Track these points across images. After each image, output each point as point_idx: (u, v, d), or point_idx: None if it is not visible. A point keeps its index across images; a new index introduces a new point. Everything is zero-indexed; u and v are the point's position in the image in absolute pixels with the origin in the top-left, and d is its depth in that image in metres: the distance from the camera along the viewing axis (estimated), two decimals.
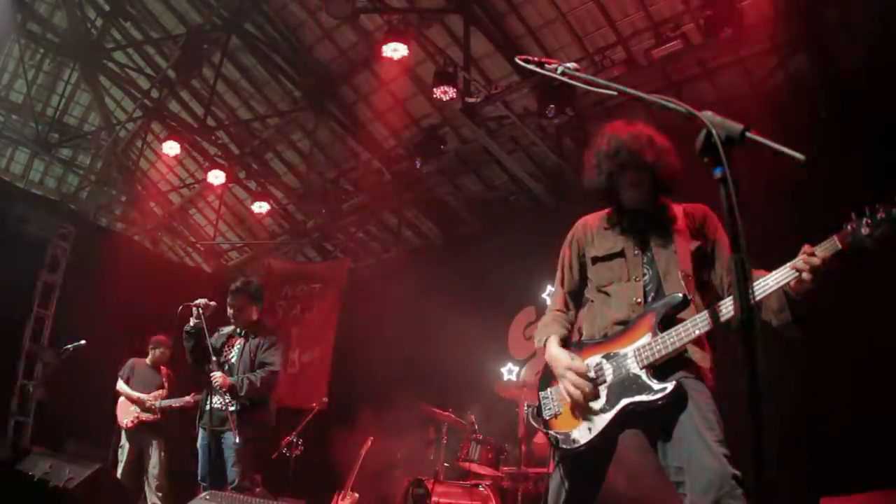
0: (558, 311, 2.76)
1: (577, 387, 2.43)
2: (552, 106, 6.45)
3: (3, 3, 8.63)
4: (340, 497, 6.26)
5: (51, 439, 7.27)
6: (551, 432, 2.52)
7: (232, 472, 4.64)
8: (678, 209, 2.66)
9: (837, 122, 5.76)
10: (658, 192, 2.61)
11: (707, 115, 1.64)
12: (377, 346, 8.69)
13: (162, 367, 6.86)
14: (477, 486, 5.55)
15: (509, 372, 8.00)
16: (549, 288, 8.09)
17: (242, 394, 4.62)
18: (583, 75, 1.99)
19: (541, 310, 8.07)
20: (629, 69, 6.76)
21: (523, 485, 5.39)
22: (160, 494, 6.40)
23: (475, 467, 5.68)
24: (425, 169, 8.35)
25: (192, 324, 4.75)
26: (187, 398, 6.37)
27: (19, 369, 8.00)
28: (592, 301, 2.68)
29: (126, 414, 6.58)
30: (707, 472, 2.16)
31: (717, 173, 1.58)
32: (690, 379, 2.37)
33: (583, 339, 2.64)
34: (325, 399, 7.46)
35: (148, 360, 6.88)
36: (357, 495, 6.27)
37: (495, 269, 8.20)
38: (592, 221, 2.78)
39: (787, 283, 2.21)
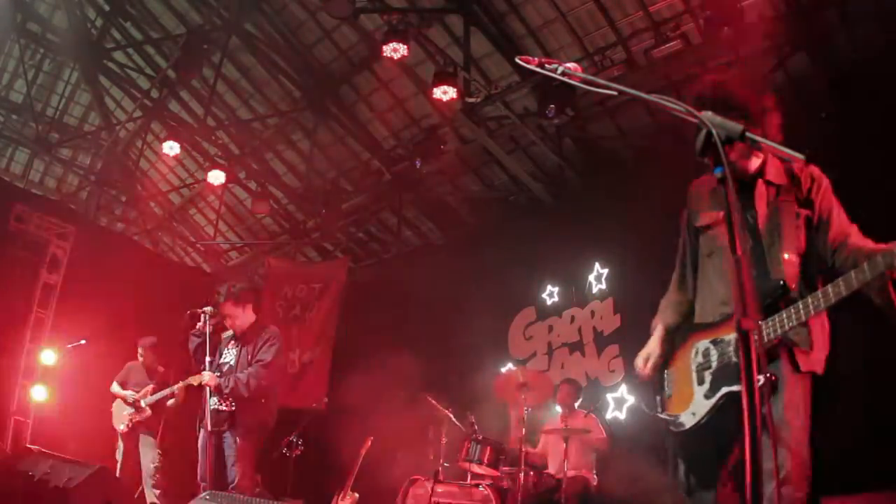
0: (674, 290, 2.77)
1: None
2: (552, 106, 6.45)
3: (3, 3, 8.63)
4: (340, 497, 6.25)
5: (51, 439, 7.26)
6: (663, 414, 2.58)
7: (232, 472, 4.65)
8: (784, 168, 2.48)
9: (837, 122, 5.75)
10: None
11: (707, 115, 1.65)
12: (377, 345, 8.68)
13: (158, 367, 6.86)
14: (477, 486, 5.53)
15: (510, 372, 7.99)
16: (549, 288, 8.09)
17: (227, 392, 4.65)
18: (583, 75, 1.99)
19: (541, 310, 8.07)
20: (629, 69, 6.77)
21: (523, 485, 5.38)
22: (157, 492, 6.40)
23: (475, 467, 5.68)
24: (425, 169, 8.35)
25: (197, 329, 4.84)
26: (173, 389, 6.18)
27: (19, 369, 7.99)
28: (702, 275, 2.62)
29: (120, 420, 6.60)
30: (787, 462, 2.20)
31: (718, 173, 1.59)
32: (788, 369, 2.32)
33: (696, 321, 2.61)
34: (325, 399, 7.46)
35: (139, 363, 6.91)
36: (357, 495, 6.27)
37: (495, 269, 8.19)
38: (701, 185, 2.67)
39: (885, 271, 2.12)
